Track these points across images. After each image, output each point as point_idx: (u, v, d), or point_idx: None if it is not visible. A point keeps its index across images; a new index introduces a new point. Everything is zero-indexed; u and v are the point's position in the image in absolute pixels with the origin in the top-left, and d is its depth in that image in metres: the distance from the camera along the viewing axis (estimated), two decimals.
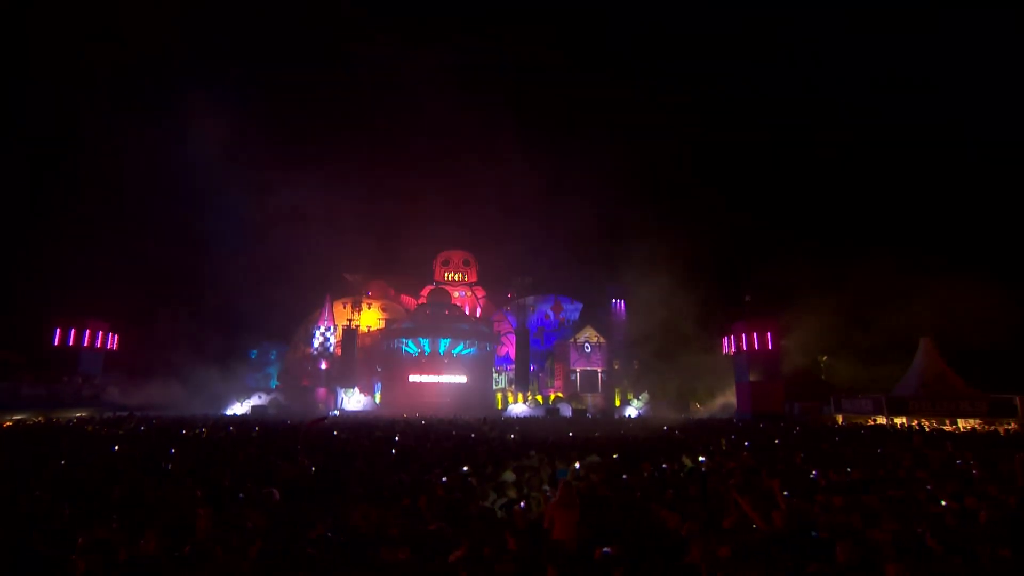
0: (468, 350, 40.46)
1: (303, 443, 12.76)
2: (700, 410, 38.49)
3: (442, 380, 39.52)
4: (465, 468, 9.00)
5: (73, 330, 33.13)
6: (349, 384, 40.06)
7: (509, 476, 9.14)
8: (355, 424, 20.58)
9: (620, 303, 45.75)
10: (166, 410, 29.84)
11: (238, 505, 6.47)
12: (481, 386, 40.96)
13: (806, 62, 56.30)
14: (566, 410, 37.10)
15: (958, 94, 49.44)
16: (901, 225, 42.24)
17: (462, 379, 39.82)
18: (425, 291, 46.25)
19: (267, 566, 4.63)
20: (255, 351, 46.48)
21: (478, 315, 46.51)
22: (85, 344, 33.64)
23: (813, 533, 5.53)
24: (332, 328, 41.58)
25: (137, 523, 5.67)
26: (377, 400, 41.08)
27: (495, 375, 43.50)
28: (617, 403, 41.12)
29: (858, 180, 49.95)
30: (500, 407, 40.34)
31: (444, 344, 39.87)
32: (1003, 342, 27.24)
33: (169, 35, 47.73)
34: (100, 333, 34.62)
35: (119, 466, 8.96)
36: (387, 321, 43.50)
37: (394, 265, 49.41)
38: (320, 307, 42.42)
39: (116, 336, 36.02)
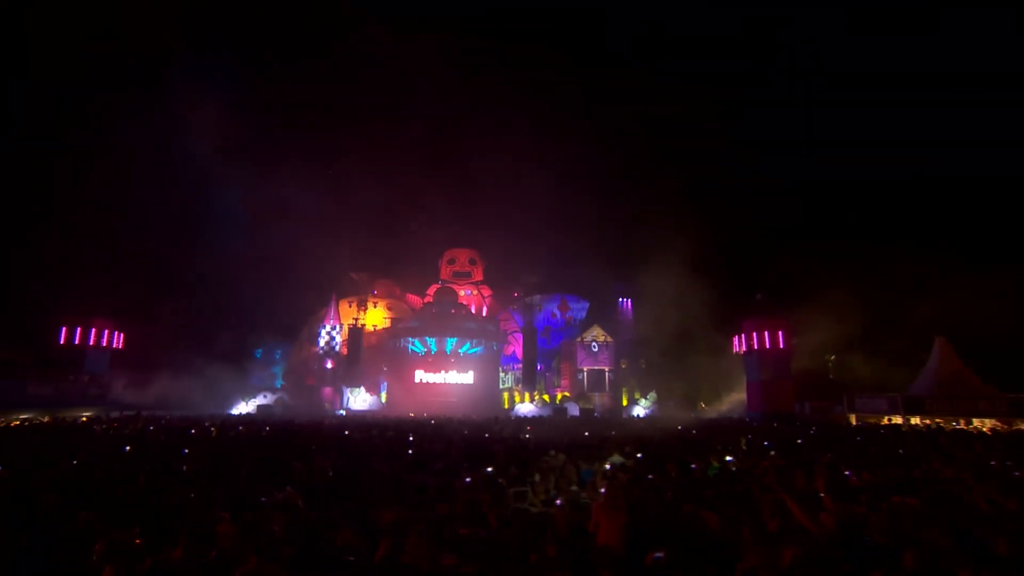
0: (475, 349, 40.18)
1: (317, 443, 12.52)
2: (706, 410, 38.18)
3: (448, 379, 39.25)
4: (489, 469, 8.73)
5: (79, 329, 32.93)
6: (355, 383, 39.82)
7: (535, 477, 8.89)
8: (364, 424, 20.32)
9: (627, 302, 45.51)
10: (172, 409, 29.66)
11: (259, 508, 6.20)
12: (488, 385, 40.68)
13: (809, 59, 55.89)
14: (573, 409, 36.83)
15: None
16: (912, 223, 41.87)
17: (468, 378, 39.56)
18: (431, 290, 45.98)
19: (301, 573, 4.39)
20: (260, 350, 46.33)
21: (484, 314, 46.23)
22: (91, 343, 33.45)
23: (866, 537, 5.28)
24: (338, 327, 41.33)
25: (157, 527, 5.42)
26: (383, 399, 40.83)
27: (501, 374, 43.23)
28: (624, 403, 40.84)
29: (872, 177, 49.57)
30: (507, 406, 40.09)
31: (451, 343, 39.60)
32: (1016, 340, 26.96)
33: (168, 31, 47.59)
34: (106, 332, 34.42)
35: (133, 467, 8.71)
36: (393, 320, 43.24)
37: (400, 264, 49.28)
38: (326, 306, 42.19)
39: (122, 335, 35.83)
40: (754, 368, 34.04)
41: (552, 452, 11.50)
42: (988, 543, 4.86)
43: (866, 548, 5.06)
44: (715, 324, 39.37)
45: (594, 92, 60.74)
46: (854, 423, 24.25)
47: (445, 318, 40.60)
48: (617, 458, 11.02)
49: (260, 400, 37.97)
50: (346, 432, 15.76)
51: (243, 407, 36.91)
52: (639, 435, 16.98)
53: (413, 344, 39.85)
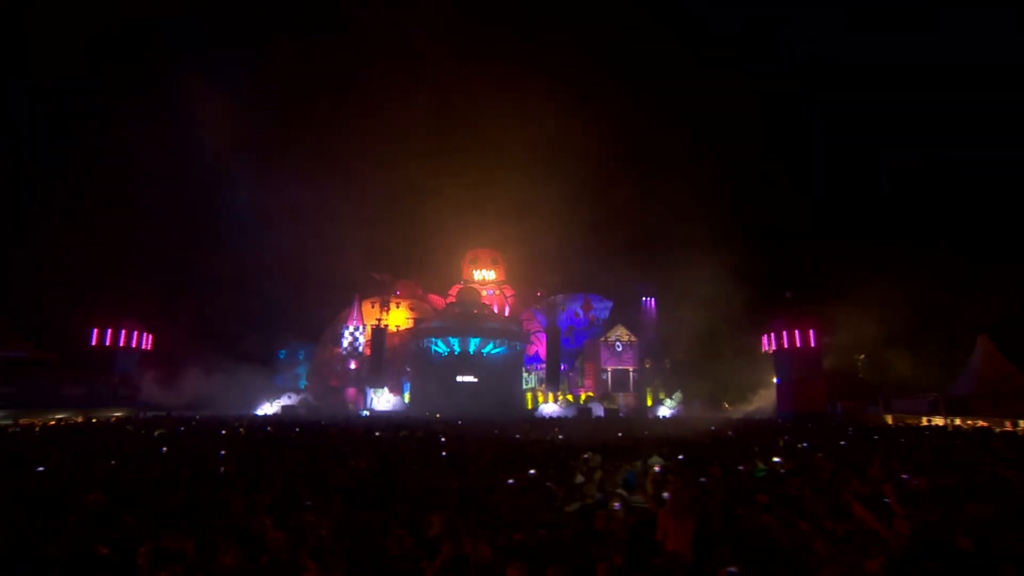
0: (498, 349, 39.97)
1: (350, 445, 12.40)
2: (730, 410, 37.46)
3: (472, 380, 39.07)
4: (532, 471, 8.47)
5: (110, 330, 33.46)
6: (378, 384, 39.89)
7: (577, 479, 8.63)
8: (392, 424, 20.21)
9: (650, 301, 44.93)
10: (198, 410, 29.97)
11: (303, 512, 6.02)
12: (511, 386, 40.46)
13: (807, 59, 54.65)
14: (598, 410, 36.43)
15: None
16: (950, 221, 40.56)
17: (492, 379, 39.33)
18: (453, 290, 45.91)
19: None
20: (283, 351, 46.72)
21: (507, 314, 45.99)
22: (121, 344, 33.96)
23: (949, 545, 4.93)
24: (361, 328, 41.43)
25: (203, 531, 5.26)
26: (406, 400, 40.83)
27: (525, 374, 42.98)
28: (649, 403, 40.32)
29: (904, 174, 48.29)
30: (530, 407, 39.83)
31: (474, 343, 39.43)
32: None
33: (175, 26, 48.07)
34: (135, 333, 34.93)
35: (171, 469, 8.64)
36: (415, 320, 43.24)
37: (422, 264, 49.30)
38: (348, 307, 42.34)
39: (151, 336, 36.33)
40: (784, 367, 33.34)
41: (589, 453, 11.23)
42: None
43: (952, 558, 4.72)
44: (741, 323, 38.70)
45: (619, 87, 60.05)
46: (890, 423, 23.52)
47: (468, 318, 40.45)
48: (657, 459, 10.71)
49: (284, 401, 38.23)
50: (376, 433, 15.62)
51: (268, 408, 37.19)
52: (672, 436, 16.62)
53: (436, 344, 39.76)
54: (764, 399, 38.32)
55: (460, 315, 40.92)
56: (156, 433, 16.20)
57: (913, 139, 47.96)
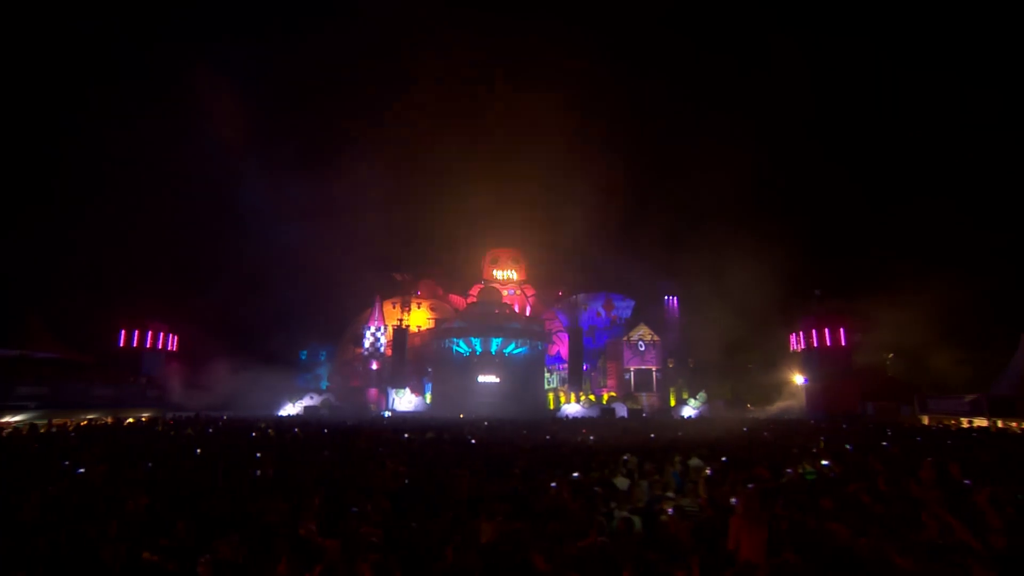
0: (520, 349, 39.73)
1: (384, 447, 12.24)
2: (753, 410, 36.77)
3: (494, 380, 38.89)
4: (576, 474, 8.22)
5: (136, 331, 33.89)
6: (400, 384, 39.90)
7: (621, 482, 8.36)
8: (420, 426, 20.07)
9: (673, 300, 44.33)
10: (224, 411, 30.15)
11: (350, 518, 5.83)
12: (533, 386, 40.21)
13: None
14: (621, 410, 36.02)
15: None
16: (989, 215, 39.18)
17: (514, 379, 39.11)
18: (474, 290, 45.76)
19: None
20: (305, 352, 46.98)
21: (527, 314, 45.74)
22: (148, 345, 34.38)
23: None
24: (382, 328, 41.47)
25: (253, 538, 5.09)
26: (427, 400, 40.80)
27: (547, 374, 42.71)
28: (672, 403, 39.80)
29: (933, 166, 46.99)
30: (552, 407, 39.55)
31: (495, 343, 39.23)
32: None
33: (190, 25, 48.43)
34: (161, 334, 35.34)
35: (209, 471, 8.54)
36: (436, 321, 43.18)
37: (442, 264, 49.20)
38: (370, 307, 42.39)
39: (176, 337, 36.72)
40: (814, 367, 32.63)
41: (628, 455, 10.95)
42: None
43: None
44: (766, 322, 38.04)
45: (641, 82, 59.42)
46: (926, 424, 22.82)
47: (489, 318, 40.26)
48: (696, 461, 10.40)
49: (307, 401, 38.38)
50: (405, 435, 15.47)
51: (290, 408, 37.37)
52: (706, 436, 16.25)
53: (457, 345, 39.64)
54: (790, 399, 37.62)
55: (481, 315, 40.75)
56: (185, 433, 16.27)
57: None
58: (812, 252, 42.40)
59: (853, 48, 50.29)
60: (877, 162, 47.85)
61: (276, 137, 54.37)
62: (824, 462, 9.76)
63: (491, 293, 43.48)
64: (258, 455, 9.78)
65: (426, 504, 7.00)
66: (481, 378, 38.77)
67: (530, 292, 47.85)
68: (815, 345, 32.48)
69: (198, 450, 10.82)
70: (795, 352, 35.50)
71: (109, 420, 21.08)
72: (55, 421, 19.09)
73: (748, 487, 5.58)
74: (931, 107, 45.24)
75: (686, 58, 56.98)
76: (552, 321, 44.72)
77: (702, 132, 52.56)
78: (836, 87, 51.25)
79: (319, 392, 40.87)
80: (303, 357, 46.85)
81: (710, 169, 43.84)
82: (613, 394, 40.38)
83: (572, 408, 37.25)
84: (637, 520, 6.00)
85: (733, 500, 5.47)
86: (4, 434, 13.80)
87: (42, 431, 15.32)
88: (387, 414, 35.43)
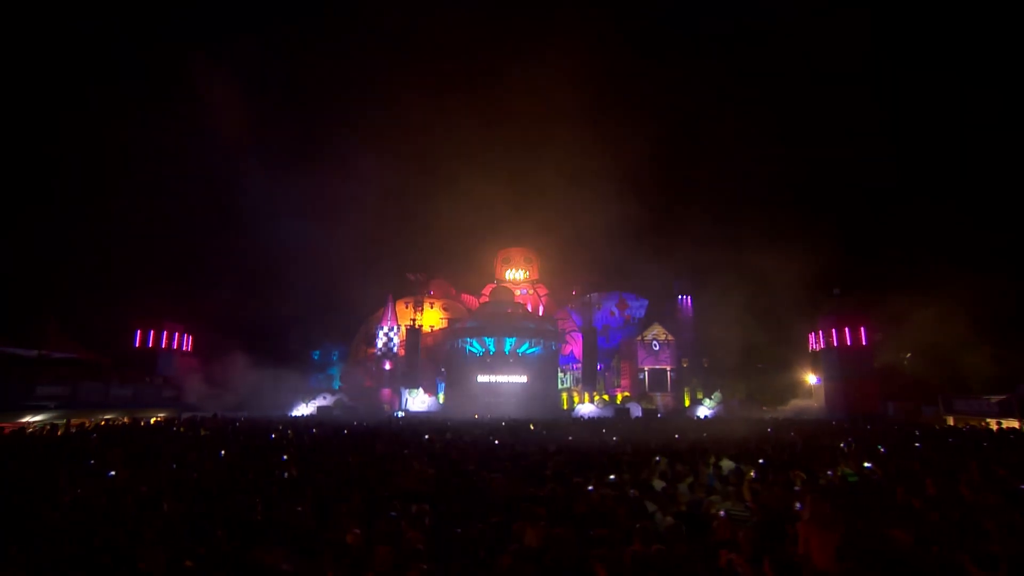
0: (533, 349, 39.49)
1: (409, 448, 12.07)
2: (768, 411, 36.30)
3: (507, 380, 38.68)
4: (612, 476, 8.00)
5: (152, 332, 33.99)
6: (413, 384, 39.76)
7: (657, 484, 8.13)
8: (437, 427, 19.90)
9: (687, 299, 43.89)
10: (240, 411, 30.13)
11: (391, 523, 5.64)
12: (546, 386, 39.94)
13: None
14: (636, 410, 35.68)
15: None
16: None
17: (527, 379, 38.89)
18: (487, 289, 45.55)
19: None
20: (317, 352, 46.95)
21: (541, 313, 45.48)
22: (163, 345, 34.47)
23: None
24: (395, 328, 41.36)
25: (294, 545, 4.92)
26: (441, 400, 40.65)
27: (560, 374, 42.42)
28: (687, 403, 39.40)
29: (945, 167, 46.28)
30: (565, 407, 39.27)
31: (509, 343, 39.01)
32: None
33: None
34: (176, 335, 35.43)
35: (235, 474, 8.38)
36: (449, 320, 43.02)
37: (455, 264, 49.00)
38: (382, 307, 42.30)
39: (191, 337, 36.80)
40: (833, 366, 32.15)
41: (659, 457, 10.73)
42: None
43: None
44: (783, 321, 37.56)
45: (655, 79, 58.77)
46: (952, 425, 22.35)
47: (502, 318, 40.04)
48: (728, 463, 10.16)
49: (320, 401, 38.31)
50: (426, 436, 15.30)
51: (303, 408, 37.32)
52: (730, 437, 15.97)
53: (471, 344, 39.45)
54: (806, 399, 37.15)
55: (494, 314, 40.53)
56: (200, 434, 16.19)
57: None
58: (830, 250, 41.74)
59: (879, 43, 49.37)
60: (897, 159, 46.98)
61: (288, 136, 54.44)
62: (866, 464, 9.47)
63: (504, 293, 43.26)
64: (284, 457, 9.60)
65: (462, 507, 6.81)
66: (495, 378, 38.56)
67: (543, 291, 47.59)
68: (835, 344, 31.99)
69: (222, 452, 10.67)
70: (811, 351, 35.00)
71: (126, 420, 21.08)
72: (73, 421, 19.12)
73: (813, 492, 5.32)
74: (955, 104, 44.54)
75: (701, 53, 56.20)
76: (565, 321, 44.43)
77: (718, 129, 51.94)
78: (839, 86, 50.35)
79: (332, 392, 40.80)
80: (315, 357, 46.81)
81: (726, 167, 43.40)
82: (627, 394, 40.06)
83: (586, 408, 36.97)
84: (696, 525, 5.78)
85: (798, 505, 5.22)
86: (27, 433, 13.77)
87: (60, 432, 15.30)
88: (400, 414, 35.29)
